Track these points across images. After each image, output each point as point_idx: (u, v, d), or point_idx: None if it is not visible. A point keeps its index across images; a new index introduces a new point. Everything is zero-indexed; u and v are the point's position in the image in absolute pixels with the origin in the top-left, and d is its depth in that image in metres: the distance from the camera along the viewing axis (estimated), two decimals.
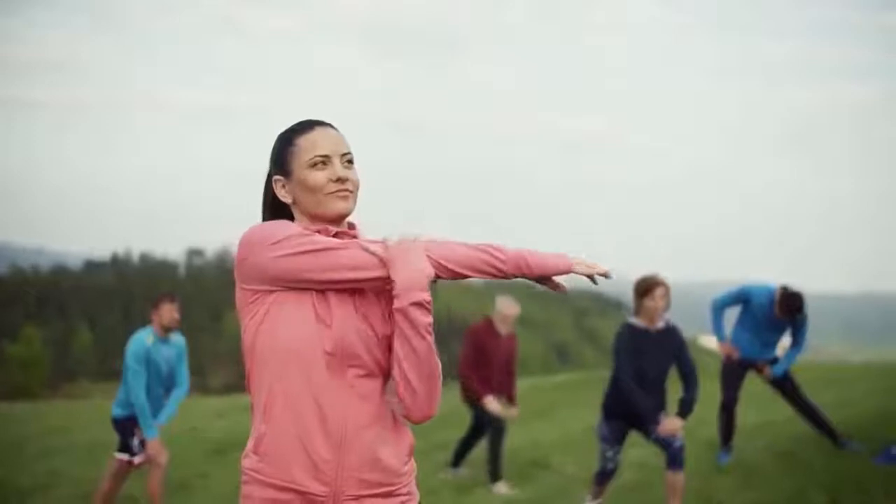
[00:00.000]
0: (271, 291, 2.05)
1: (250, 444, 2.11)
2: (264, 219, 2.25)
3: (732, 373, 6.98)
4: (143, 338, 6.09)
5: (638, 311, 5.48)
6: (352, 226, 2.19)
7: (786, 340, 7.06)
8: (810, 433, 7.01)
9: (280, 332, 2.04)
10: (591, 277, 2.15)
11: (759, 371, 6.94)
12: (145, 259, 78.37)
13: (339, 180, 2.11)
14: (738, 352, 6.90)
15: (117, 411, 6.21)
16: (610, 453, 5.58)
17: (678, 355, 5.50)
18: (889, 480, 5.99)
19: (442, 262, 2.08)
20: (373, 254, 2.05)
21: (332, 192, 2.11)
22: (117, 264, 76.60)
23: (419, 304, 2.02)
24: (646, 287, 5.41)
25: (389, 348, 2.10)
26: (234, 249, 2.13)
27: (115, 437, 6.28)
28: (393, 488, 2.12)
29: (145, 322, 6.23)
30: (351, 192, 2.13)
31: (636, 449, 6.87)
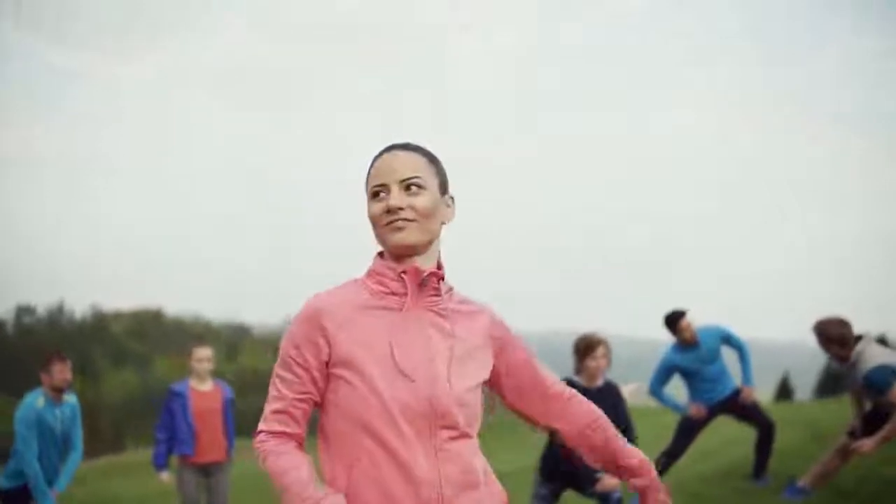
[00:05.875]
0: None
1: None
2: None
3: (694, 425, 7.01)
4: (33, 401, 5.63)
5: (579, 371, 5.31)
6: (439, 272, 1.96)
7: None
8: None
9: (354, 395, 1.85)
10: None
11: (731, 409, 6.99)
12: None
13: (391, 210, 1.88)
14: (703, 408, 6.94)
15: (6, 483, 5.69)
16: None
17: (615, 412, 5.23)
18: None
19: None
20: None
21: (386, 224, 1.89)
22: None
23: None
24: (586, 346, 5.24)
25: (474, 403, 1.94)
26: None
27: None
28: None
29: None
30: (410, 220, 1.88)
31: None
